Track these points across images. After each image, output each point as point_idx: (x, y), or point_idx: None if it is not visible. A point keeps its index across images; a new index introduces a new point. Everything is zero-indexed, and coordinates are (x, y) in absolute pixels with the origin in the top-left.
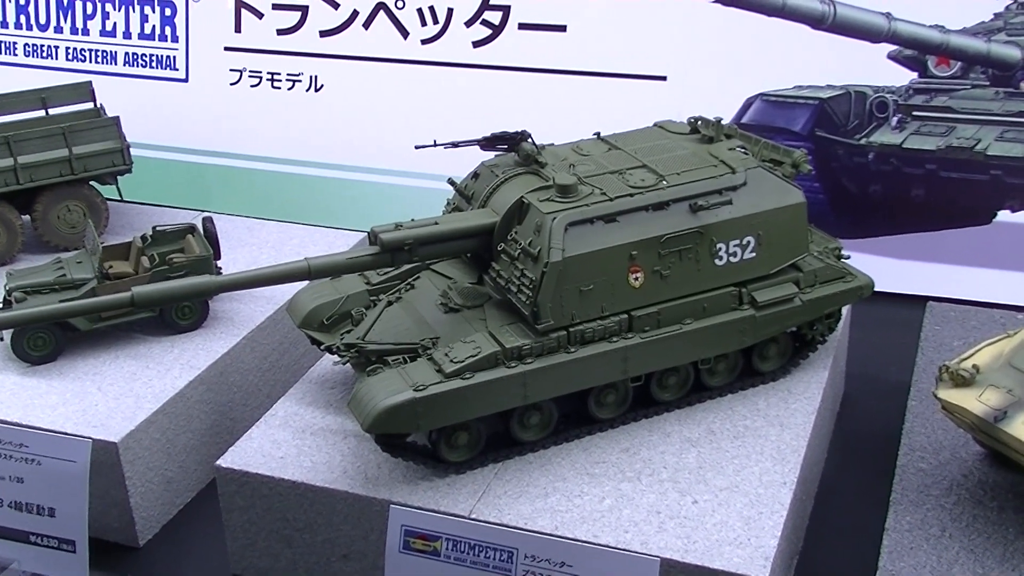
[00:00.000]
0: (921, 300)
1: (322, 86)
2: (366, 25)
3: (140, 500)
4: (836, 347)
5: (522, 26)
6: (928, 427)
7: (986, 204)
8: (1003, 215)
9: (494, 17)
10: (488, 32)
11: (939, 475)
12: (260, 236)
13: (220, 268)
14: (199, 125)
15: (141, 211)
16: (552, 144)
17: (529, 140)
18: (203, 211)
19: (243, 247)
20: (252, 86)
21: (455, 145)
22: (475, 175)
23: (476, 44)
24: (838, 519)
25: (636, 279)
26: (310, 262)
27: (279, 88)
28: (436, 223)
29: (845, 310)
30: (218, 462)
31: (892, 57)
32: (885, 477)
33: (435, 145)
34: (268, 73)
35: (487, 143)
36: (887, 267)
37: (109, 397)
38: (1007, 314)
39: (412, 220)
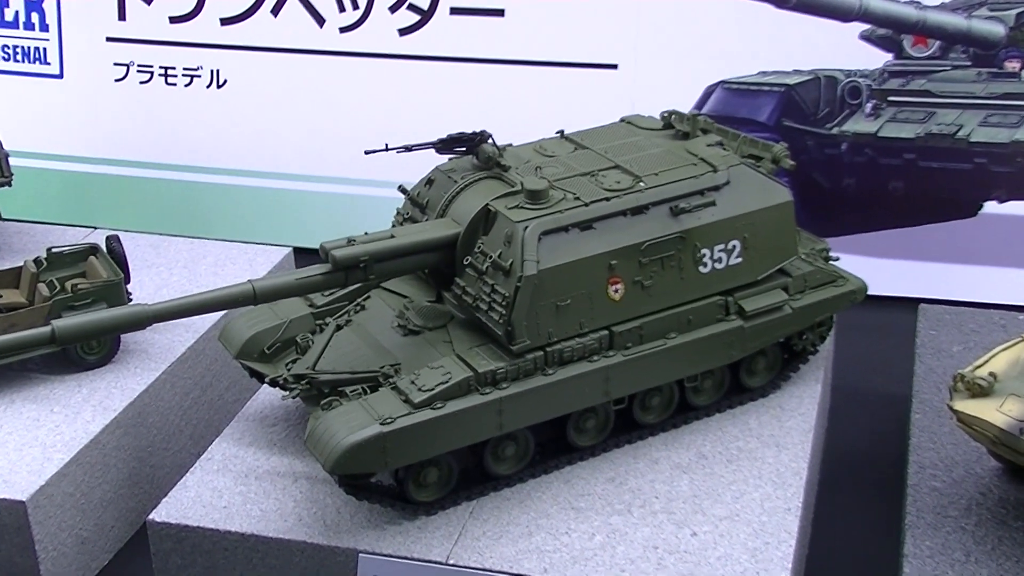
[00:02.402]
0: (908, 302)
1: (225, 82)
2: (275, 11)
3: (51, 566)
4: (826, 358)
5: (454, 11)
6: (937, 442)
7: (971, 195)
8: (989, 207)
9: (422, 1)
10: (416, 18)
11: (955, 494)
12: (168, 255)
13: (131, 294)
14: (79, 128)
15: (19, 230)
16: (511, 145)
17: (490, 141)
18: (91, 228)
19: (149, 268)
20: (142, 82)
21: (408, 149)
22: (429, 181)
23: (403, 32)
24: (843, 546)
25: (616, 291)
26: (255, 285)
27: (174, 84)
28: (393, 236)
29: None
30: (151, 516)
31: (864, 37)
32: (889, 498)
33: (387, 149)
34: (160, 67)
35: (443, 145)
36: (868, 267)
37: (9, 448)
38: (1007, 315)
39: (365, 233)
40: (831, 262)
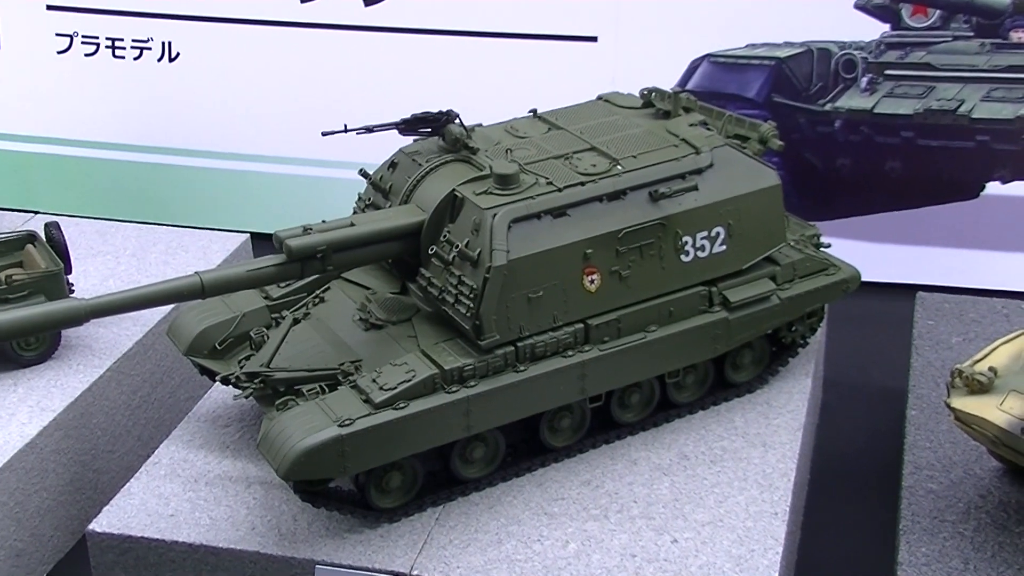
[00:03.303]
0: (904, 289)
1: (178, 55)
2: None
3: None
4: (817, 351)
5: None
6: (934, 441)
7: (972, 175)
8: (992, 188)
9: None
10: None
11: (953, 497)
12: (115, 242)
13: (72, 285)
14: (18, 104)
15: None
16: (480, 125)
17: (457, 121)
18: (31, 212)
19: (94, 257)
20: (87, 55)
21: (369, 130)
22: (392, 165)
23: (368, 2)
24: (833, 553)
25: (592, 282)
26: (203, 277)
27: (123, 57)
28: (352, 224)
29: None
30: (91, 526)
31: (860, 7)
32: (883, 501)
33: (346, 131)
34: (107, 39)
35: (407, 126)
36: (863, 253)
37: None
38: (1010, 303)
39: (323, 221)
40: (822, 249)
